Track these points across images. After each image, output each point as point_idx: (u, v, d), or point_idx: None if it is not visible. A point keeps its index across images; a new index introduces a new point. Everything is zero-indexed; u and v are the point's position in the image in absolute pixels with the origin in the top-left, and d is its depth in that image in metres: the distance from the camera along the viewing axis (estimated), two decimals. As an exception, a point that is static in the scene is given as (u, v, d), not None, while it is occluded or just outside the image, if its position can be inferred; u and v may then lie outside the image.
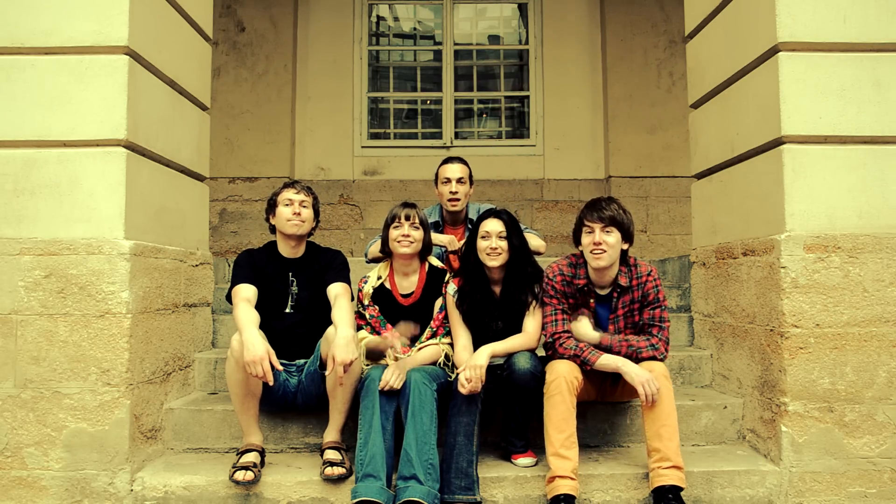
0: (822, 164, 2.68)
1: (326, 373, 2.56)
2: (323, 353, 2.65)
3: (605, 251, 2.62)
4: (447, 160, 3.53)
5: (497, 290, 2.84)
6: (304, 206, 2.88)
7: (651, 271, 2.74)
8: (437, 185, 3.51)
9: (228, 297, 2.79)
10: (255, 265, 2.85)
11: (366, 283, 2.93)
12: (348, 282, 2.86)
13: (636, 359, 2.63)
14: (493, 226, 2.79)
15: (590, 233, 2.65)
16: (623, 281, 2.71)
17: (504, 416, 2.81)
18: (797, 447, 2.63)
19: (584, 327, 2.70)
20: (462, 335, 2.81)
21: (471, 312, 2.81)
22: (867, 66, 2.70)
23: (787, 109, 2.68)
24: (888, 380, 2.63)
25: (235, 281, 2.78)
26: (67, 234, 2.58)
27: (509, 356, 2.68)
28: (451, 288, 2.87)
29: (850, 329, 2.63)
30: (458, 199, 3.44)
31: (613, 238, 2.63)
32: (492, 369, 2.66)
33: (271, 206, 2.92)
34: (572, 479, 2.47)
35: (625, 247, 2.69)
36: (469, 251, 2.87)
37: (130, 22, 2.63)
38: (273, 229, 2.95)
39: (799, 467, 2.63)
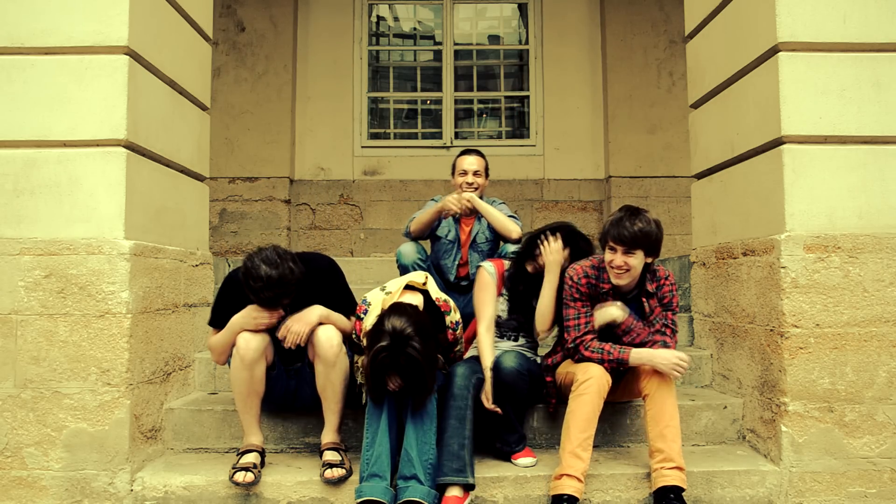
0: (822, 165, 2.68)
1: (284, 343, 2.59)
2: (309, 354, 2.67)
3: (626, 271, 2.61)
4: (466, 151, 3.54)
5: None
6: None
7: (669, 275, 2.74)
8: (454, 176, 3.52)
9: (210, 324, 2.74)
10: (239, 300, 2.61)
11: (366, 313, 2.68)
12: (348, 297, 2.80)
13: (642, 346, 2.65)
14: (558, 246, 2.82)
15: (612, 252, 2.61)
16: (650, 287, 2.71)
17: (499, 416, 2.80)
18: (797, 447, 2.63)
19: (608, 313, 2.68)
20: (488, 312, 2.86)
21: (522, 295, 2.91)
22: (867, 66, 2.70)
23: (787, 109, 2.68)
24: (888, 380, 2.62)
25: (215, 320, 2.70)
26: (67, 234, 2.58)
27: (497, 357, 2.71)
28: (490, 266, 2.91)
29: (850, 329, 2.63)
30: (474, 190, 3.44)
31: (636, 259, 2.59)
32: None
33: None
34: (580, 480, 2.47)
35: (649, 261, 2.65)
36: (529, 249, 2.90)
37: (130, 22, 2.63)
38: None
39: (799, 467, 2.63)
